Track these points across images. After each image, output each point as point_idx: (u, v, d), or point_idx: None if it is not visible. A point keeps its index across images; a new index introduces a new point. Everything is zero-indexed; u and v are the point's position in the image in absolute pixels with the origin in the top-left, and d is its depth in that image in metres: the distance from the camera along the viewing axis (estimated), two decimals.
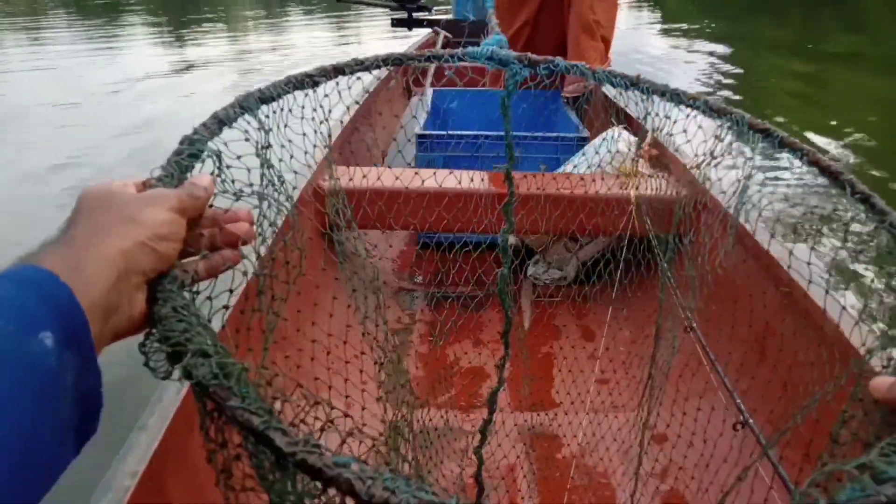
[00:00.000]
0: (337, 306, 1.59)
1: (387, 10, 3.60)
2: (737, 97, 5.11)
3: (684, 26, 8.44)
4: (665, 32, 8.28)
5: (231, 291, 0.51)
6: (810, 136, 4.12)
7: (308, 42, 8.32)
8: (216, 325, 0.48)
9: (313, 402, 0.38)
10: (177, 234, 0.41)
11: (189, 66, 6.97)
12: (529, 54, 0.77)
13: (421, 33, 3.91)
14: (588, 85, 2.17)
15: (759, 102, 5.25)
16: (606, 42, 2.21)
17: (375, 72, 2.76)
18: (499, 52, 0.72)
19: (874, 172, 3.42)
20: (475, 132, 1.95)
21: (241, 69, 6.61)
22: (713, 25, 7.94)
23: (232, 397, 0.31)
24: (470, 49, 0.73)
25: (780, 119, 4.47)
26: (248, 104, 0.54)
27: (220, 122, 0.51)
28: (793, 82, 5.88)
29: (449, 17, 4.15)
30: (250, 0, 16.60)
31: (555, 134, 1.97)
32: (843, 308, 1.07)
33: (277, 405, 0.35)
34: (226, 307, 0.50)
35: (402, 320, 1.71)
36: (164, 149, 0.48)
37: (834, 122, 4.43)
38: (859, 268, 2.41)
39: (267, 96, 0.56)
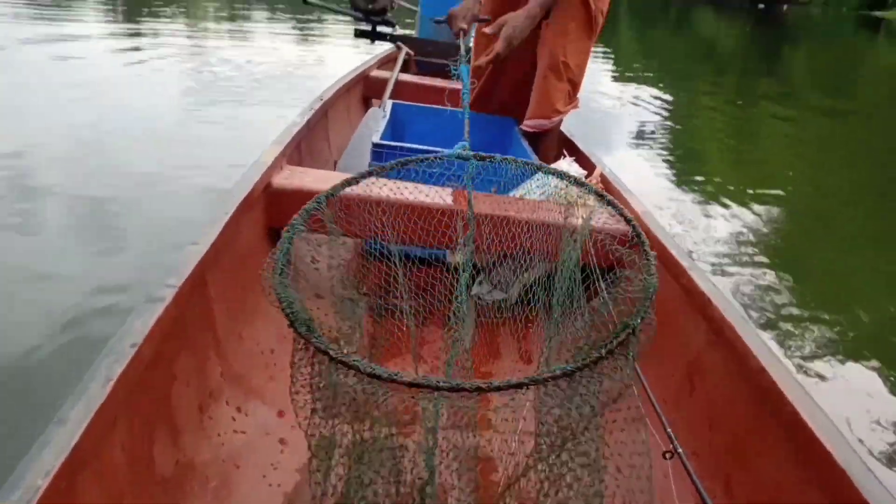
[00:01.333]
0: (276, 310, 1.59)
1: (351, 19, 3.60)
2: (675, 136, 5.42)
3: (634, 74, 8.94)
4: (616, 79, 8.70)
5: None
6: (737, 177, 4.47)
7: (269, 42, 8.24)
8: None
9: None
10: None
11: (137, 49, 6.78)
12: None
13: (384, 47, 3.95)
14: (546, 125, 2.25)
15: (694, 143, 5.62)
16: (574, 85, 2.26)
17: (336, 78, 2.78)
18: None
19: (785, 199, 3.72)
20: (431, 147, 1.98)
21: (196, 62, 6.48)
22: (662, 79, 8.44)
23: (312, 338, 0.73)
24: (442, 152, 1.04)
25: (709, 157, 4.81)
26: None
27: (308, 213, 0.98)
28: (723, 128, 6.34)
29: (412, 34, 4.20)
30: None
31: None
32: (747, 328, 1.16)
33: None
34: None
35: (341, 330, 1.72)
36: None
37: (759, 168, 4.83)
38: (782, 305, 2.62)
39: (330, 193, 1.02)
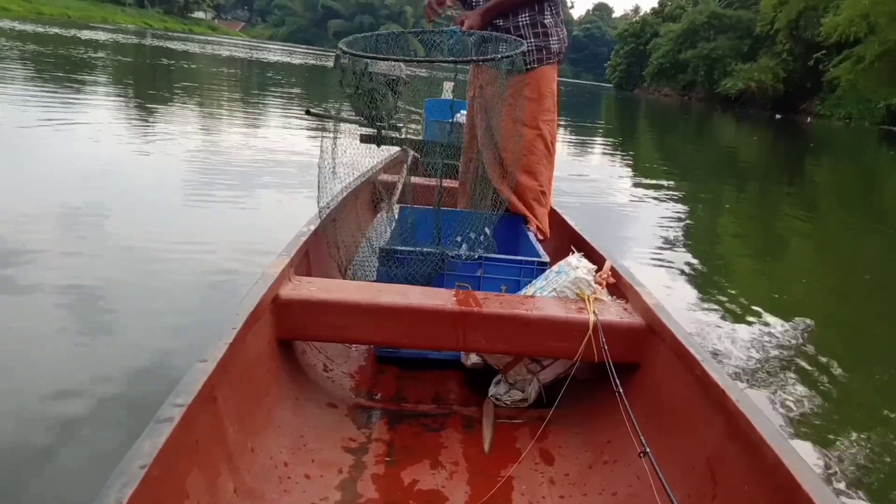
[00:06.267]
0: (288, 421, 1.62)
1: (356, 125, 3.85)
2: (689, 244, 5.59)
3: (653, 177, 9.36)
4: (635, 181, 9.08)
5: None
6: (755, 285, 4.58)
7: (277, 138, 8.75)
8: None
9: None
10: None
11: (143, 131, 7.35)
12: None
13: (390, 151, 4.20)
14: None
15: (713, 249, 5.82)
16: (546, 195, 2.61)
17: (344, 183, 2.99)
18: None
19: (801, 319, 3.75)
20: (439, 250, 2.07)
21: (200, 153, 6.97)
22: (680, 184, 8.81)
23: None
24: None
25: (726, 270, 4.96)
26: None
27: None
28: (743, 235, 6.57)
29: (419, 138, 4.49)
30: (228, 85, 17.40)
31: (517, 257, 2.14)
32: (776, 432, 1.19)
33: None
34: None
35: (357, 439, 1.70)
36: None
37: (778, 279, 4.97)
38: (801, 400, 2.64)
39: None
